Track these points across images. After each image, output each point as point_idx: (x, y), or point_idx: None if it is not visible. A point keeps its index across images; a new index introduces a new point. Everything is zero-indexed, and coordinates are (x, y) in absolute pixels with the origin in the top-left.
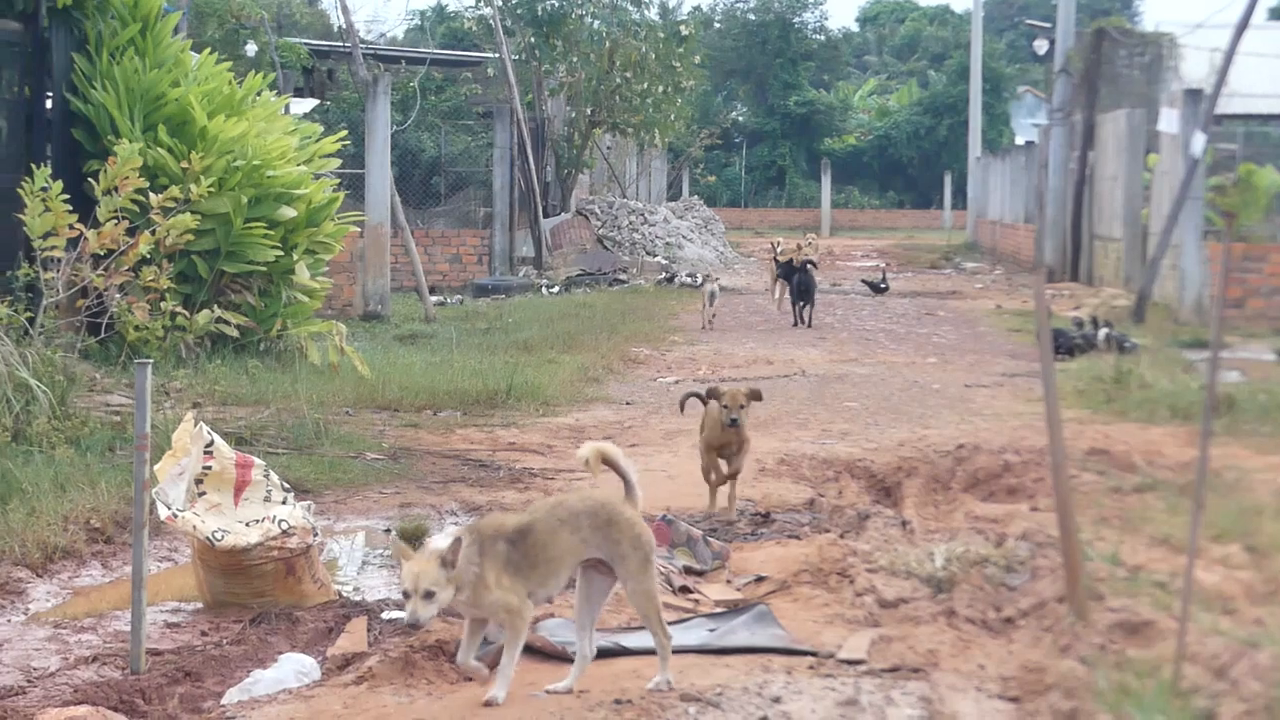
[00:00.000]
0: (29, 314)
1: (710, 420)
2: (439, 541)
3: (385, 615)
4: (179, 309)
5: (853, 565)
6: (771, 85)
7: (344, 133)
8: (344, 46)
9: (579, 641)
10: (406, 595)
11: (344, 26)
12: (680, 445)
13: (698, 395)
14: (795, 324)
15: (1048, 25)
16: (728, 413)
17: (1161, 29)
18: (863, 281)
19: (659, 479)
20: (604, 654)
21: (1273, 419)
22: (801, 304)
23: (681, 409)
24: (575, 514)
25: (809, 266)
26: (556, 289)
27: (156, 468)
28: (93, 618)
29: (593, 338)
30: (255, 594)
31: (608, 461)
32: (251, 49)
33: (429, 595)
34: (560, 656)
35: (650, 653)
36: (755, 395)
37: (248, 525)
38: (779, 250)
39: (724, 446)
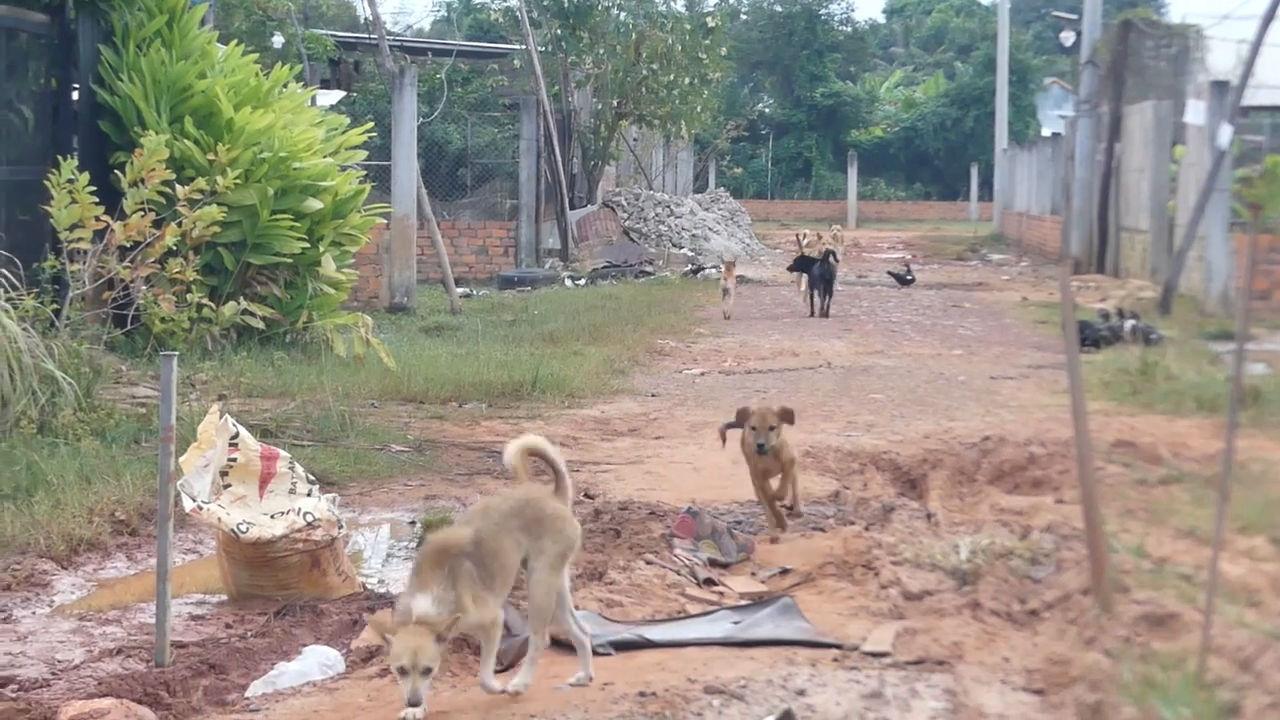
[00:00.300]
0: (55, 306)
1: (746, 446)
2: (423, 606)
3: None
4: (205, 301)
5: (877, 558)
6: (798, 77)
7: (370, 124)
8: (370, 38)
9: (569, 628)
10: (403, 672)
11: (370, 18)
12: (705, 437)
13: (734, 425)
14: (812, 314)
15: (1074, 17)
16: (755, 435)
17: (1188, 20)
18: (889, 274)
19: (684, 471)
20: (628, 646)
21: None
22: (820, 293)
23: (722, 441)
24: (505, 515)
25: (830, 257)
26: (583, 280)
27: (182, 460)
28: (117, 610)
29: (618, 330)
30: (280, 586)
31: (536, 453)
32: (278, 41)
33: (427, 671)
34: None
35: (677, 645)
36: (787, 416)
37: (272, 518)
38: (805, 242)
39: (765, 471)
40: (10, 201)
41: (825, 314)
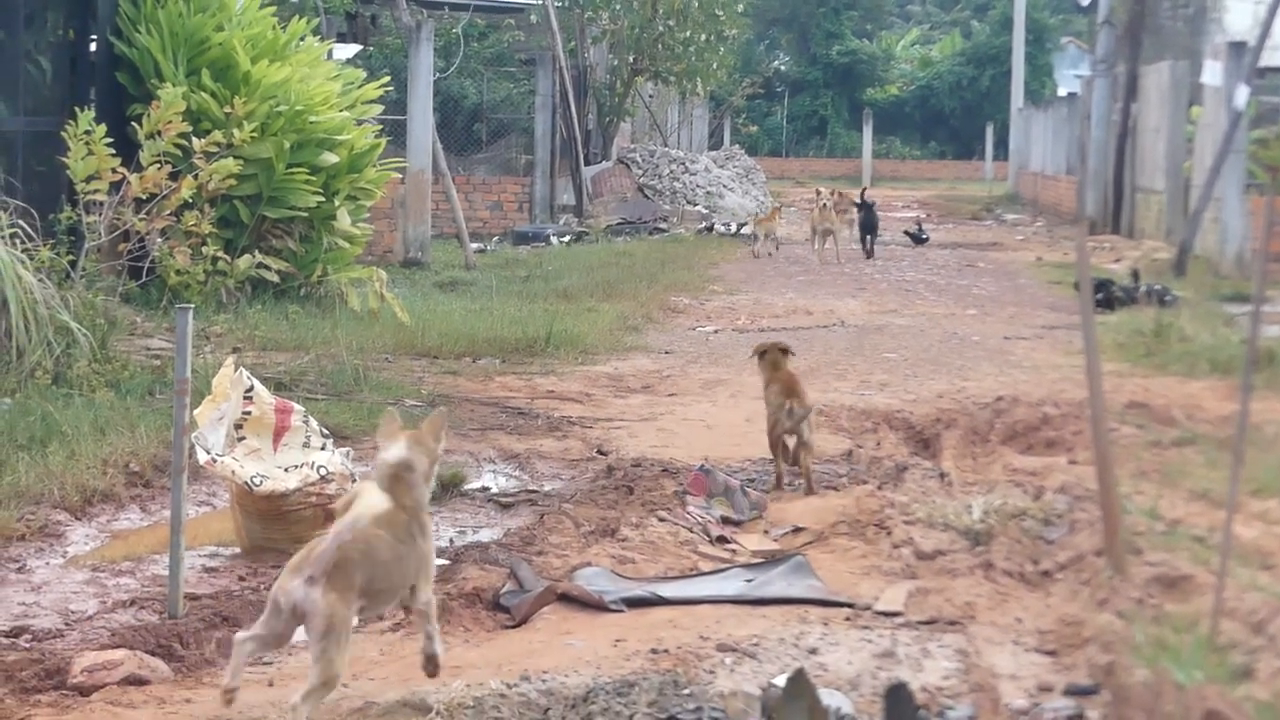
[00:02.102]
0: (71, 257)
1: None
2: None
3: None
4: (220, 254)
5: (890, 517)
6: (814, 34)
7: (386, 79)
8: None
9: None
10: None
11: None
12: (719, 395)
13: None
14: (867, 256)
15: None
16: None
17: None
18: (905, 233)
19: (697, 428)
20: (640, 603)
21: None
22: (868, 237)
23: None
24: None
25: (873, 205)
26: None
27: (196, 412)
28: (131, 561)
29: (632, 286)
30: (293, 540)
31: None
32: None
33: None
34: (598, 605)
35: (689, 603)
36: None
37: (286, 471)
38: (822, 202)
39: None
40: (27, 152)
41: (871, 255)
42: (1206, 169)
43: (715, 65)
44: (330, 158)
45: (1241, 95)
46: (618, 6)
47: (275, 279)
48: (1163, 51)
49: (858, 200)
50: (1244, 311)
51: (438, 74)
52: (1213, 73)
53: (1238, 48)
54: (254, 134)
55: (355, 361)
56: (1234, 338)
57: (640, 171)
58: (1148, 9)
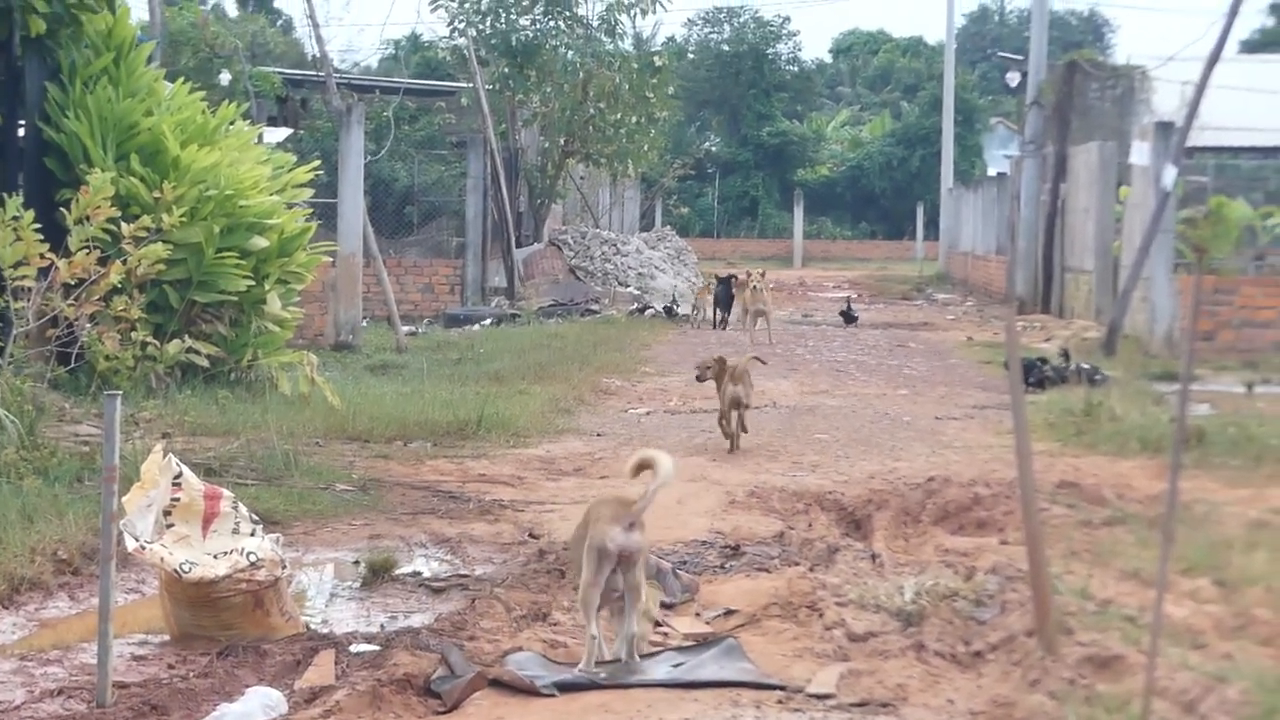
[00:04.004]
0: None
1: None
2: None
3: (353, 648)
4: (150, 339)
5: (822, 599)
6: (745, 116)
7: (317, 162)
8: (318, 75)
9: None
10: None
11: (318, 55)
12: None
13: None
14: (714, 327)
15: (1020, 58)
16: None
17: (1133, 62)
18: (839, 313)
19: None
20: (572, 687)
21: (1243, 452)
22: (723, 309)
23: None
24: None
25: (731, 279)
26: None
27: (125, 499)
28: (59, 650)
29: (564, 368)
30: (223, 626)
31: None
32: (225, 78)
33: None
34: (529, 690)
35: (622, 686)
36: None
37: (216, 557)
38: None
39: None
40: None
41: (723, 326)
42: (1135, 248)
43: (646, 147)
44: (260, 242)
45: (1169, 175)
46: (548, 89)
47: (205, 364)
48: (1091, 132)
49: (719, 276)
50: (1173, 390)
51: (369, 157)
52: (1141, 153)
53: (1165, 128)
54: (183, 219)
55: (286, 446)
56: (1163, 416)
57: (572, 253)
58: (1076, 89)
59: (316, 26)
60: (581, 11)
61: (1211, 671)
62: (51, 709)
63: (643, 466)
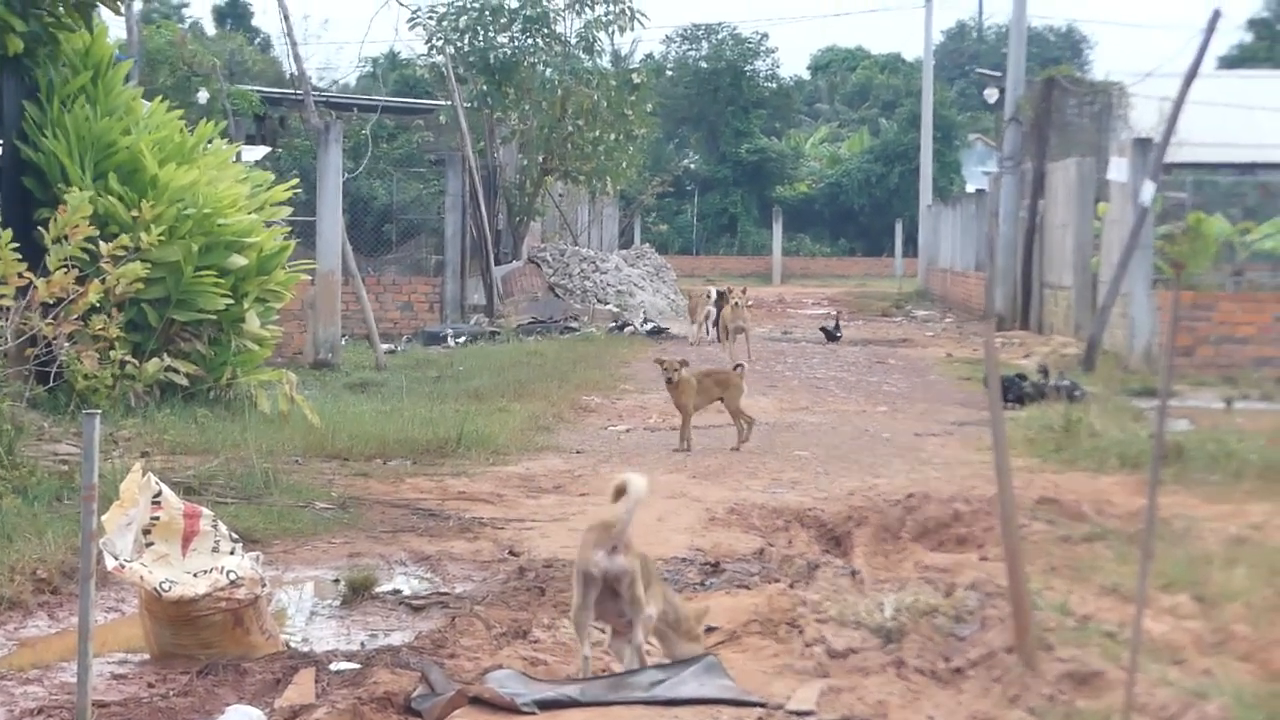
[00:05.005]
0: None
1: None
2: None
3: (333, 666)
4: (128, 357)
5: (802, 615)
6: (723, 133)
7: (295, 180)
8: (296, 94)
9: None
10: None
11: (296, 74)
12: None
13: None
14: (719, 340)
15: (998, 74)
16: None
17: (1111, 78)
18: (821, 329)
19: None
20: (552, 705)
21: (1221, 467)
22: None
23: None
24: None
25: (724, 294)
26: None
27: (104, 518)
28: (38, 669)
29: (543, 386)
30: (203, 645)
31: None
32: (203, 96)
33: None
34: (509, 708)
35: (602, 704)
36: (686, 364)
37: (195, 576)
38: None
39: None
40: None
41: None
42: (1114, 264)
43: (624, 164)
44: (239, 260)
45: (1147, 191)
46: (526, 107)
47: (184, 382)
48: (1069, 148)
49: (718, 290)
50: (1152, 406)
51: (347, 175)
52: (1119, 169)
53: (1143, 144)
54: (162, 237)
55: (265, 464)
56: (1142, 432)
57: (551, 271)
58: (1054, 106)
59: (294, 45)
60: (560, 29)
61: (1191, 687)
62: None
63: (621, 491)
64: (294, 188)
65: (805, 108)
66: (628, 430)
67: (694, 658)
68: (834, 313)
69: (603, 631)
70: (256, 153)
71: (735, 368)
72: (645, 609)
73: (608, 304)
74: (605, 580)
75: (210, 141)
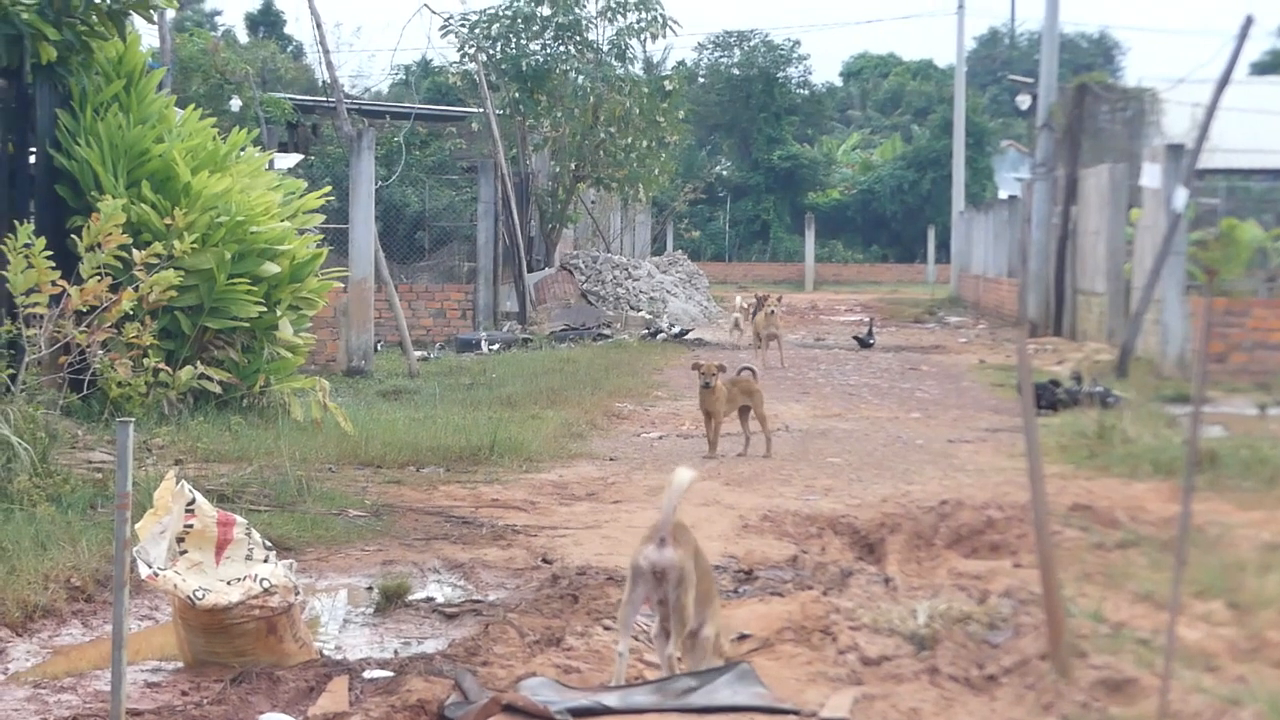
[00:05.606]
0: (11, 371)
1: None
2: None
3: (367, 674)
4: (162, 365)
5: (835, 623)
6: (755, 139)
7: (328, 188)
8: (328, 101)
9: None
10: None
11: (328, 81)
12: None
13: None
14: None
15: (1030, 80)
16: (702, 377)
17: (1144, 84)
18: (854, 337)
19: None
20: (585, 713)
21: (1255, 474)
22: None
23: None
24: None
25: (763, 299)
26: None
27: (138, 526)
28: (72, 677)
29: (576, 393)
30: (236, 653)
31: None
32: (236, 104)
33: None
34: (543, 716)
35: (635, 712)
36: (723, 369)
37: (229, 584)
38: (769, 307)
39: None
40: None
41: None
42: (1147, 271)
43: (657, 171)
44: (272, 268)
45: (1180, 197)
46: (559, 114)
47: (217, 390)
48: (1102, 154)
49: (758, 296)
50: (1186, 412)
51: (380, 182)
52: (1152, 175)
53: (1176, 150)
54: (195, 245)
55: (298, 472)
56: (1176, 439)
57: (583, 277)
58: (1086, 112)
59: (327, 53)
60: (592, 36)
61: (1225, 695)
62: None
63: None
64: (327, 195)
65: (837, 114)
66: (660, 437)
67: (727, 665)
68: (867, 319)
69: (646, 629)
70: (289, 160)
71: (741, 371)
72: (688, 614)
73: (640, 311)
74: (653, 573)
75: (243, 149)
